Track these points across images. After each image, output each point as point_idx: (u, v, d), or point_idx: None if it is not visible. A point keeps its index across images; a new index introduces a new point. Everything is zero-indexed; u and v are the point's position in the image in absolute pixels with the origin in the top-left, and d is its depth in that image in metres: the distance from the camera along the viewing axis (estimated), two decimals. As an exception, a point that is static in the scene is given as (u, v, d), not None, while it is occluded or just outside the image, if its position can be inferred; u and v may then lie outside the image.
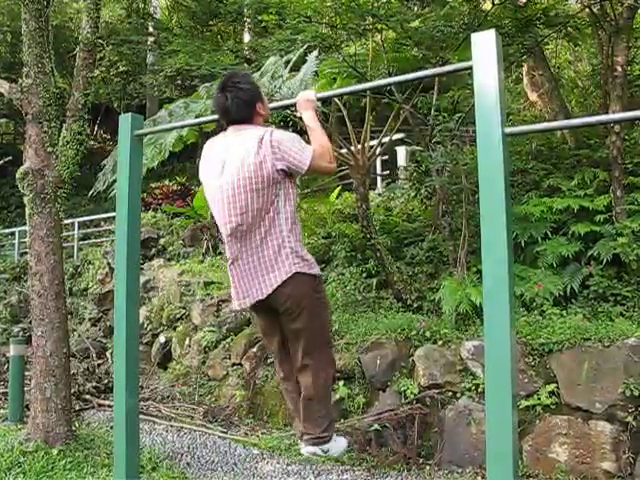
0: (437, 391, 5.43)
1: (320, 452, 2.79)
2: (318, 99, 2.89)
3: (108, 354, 9.28)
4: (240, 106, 2.71)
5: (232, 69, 9.93)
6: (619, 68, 6.68)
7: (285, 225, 2.63)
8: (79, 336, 9.76)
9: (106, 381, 8.12)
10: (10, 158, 10.32)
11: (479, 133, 2.10)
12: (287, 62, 7.31)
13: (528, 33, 7.20)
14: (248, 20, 16.30)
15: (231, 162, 2.65)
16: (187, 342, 8.22)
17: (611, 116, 5.30)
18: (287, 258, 2.62)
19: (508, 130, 2.09)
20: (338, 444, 2.84)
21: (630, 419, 4.54)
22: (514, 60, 7.98)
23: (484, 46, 2.11)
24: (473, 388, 5.26)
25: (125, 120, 3.07)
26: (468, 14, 7.11)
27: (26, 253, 10.26)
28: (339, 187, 10.81)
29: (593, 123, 2.42)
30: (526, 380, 5.02)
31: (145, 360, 8.49)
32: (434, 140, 7.11)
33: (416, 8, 9.24)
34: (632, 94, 7.88)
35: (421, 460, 5.31)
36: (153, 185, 13.59)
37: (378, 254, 7.24)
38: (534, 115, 9.87)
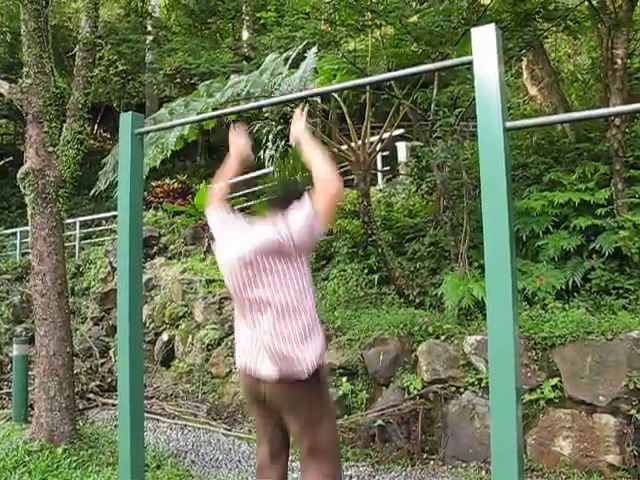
0: (440, 386, 5.44)
1: None
2: (318, 95, 2.88)
3: (111, 353, 9.29)
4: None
5: (231, 67, 9.94)
6: (619, 61, 6.67)
7: (298, 313, 2.48)
8: (81, 335, 9.78)
9: (109, 380, 8.13)
10: (10, 159, 10.29)
11: (480, 127, 2.09)
12: (286, 59, 7.30)
13: (527, 27, 7.19)
14: (247, 17, 16.32)
15: (249, 236, 2.63)
16: (190, 340, 8.23)
17: (611, 109, 5.28)
18: (288, 354, 2.42)
19: (509, 124, 2.08)
20: None
21: (634, 412, 4.55)
22: (514, 54, 7.97)
23: (484, 40, 2.10)
24: (476, 383, 5.27)
25: (126, 119, 3.05)
26: (467, 9, 7.10)
27: (28, 253, 10.25)
28: (340, 183, 10.78)
29: (593, 116, 2.41)
30: (529, 374, 5.02)
31: (148, 358, 8.51)
32: (434, 135, 7.11)
33: (415, 3, 9.22)
34: (632, 87, 7.87)
35: (425, 455, 5.32)
36: (154, 183, 13.57)
37: (380, 250, 7.23)
38: (534, 109, 9.86)
